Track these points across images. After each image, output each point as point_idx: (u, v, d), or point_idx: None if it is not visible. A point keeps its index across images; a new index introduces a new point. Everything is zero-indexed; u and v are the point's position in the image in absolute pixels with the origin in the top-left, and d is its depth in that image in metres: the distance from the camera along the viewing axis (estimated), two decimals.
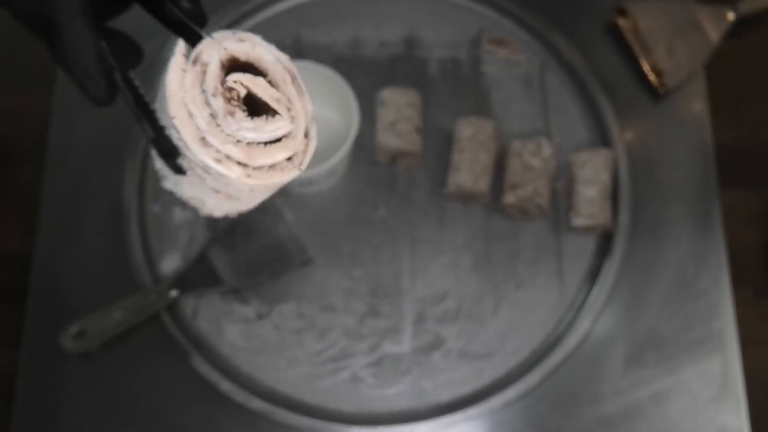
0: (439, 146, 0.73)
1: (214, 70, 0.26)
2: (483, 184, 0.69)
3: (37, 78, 0.75)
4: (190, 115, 0.25)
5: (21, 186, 0.73)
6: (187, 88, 0.26)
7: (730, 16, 0.76)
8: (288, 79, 0.28)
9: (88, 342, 0.64)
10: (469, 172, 0.68)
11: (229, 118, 0.26)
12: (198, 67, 0.26)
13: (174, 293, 0.66)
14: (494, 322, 0.68)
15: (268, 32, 0.81)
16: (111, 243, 0.69)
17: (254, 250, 0.69)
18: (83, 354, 0.65)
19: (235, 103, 0.26)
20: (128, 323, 0.65)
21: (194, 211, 0.71)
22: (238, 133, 0.26)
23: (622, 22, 0.75)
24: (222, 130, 0.26)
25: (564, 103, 0.75)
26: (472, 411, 0.65)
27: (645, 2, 0.75)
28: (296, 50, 0.76)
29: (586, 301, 0.68)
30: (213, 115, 0.26)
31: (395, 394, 0.66)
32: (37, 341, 0.67)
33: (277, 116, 0.27)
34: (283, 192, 0.71)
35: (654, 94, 0.75)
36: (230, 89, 0.26)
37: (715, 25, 0.75)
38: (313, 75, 0.67)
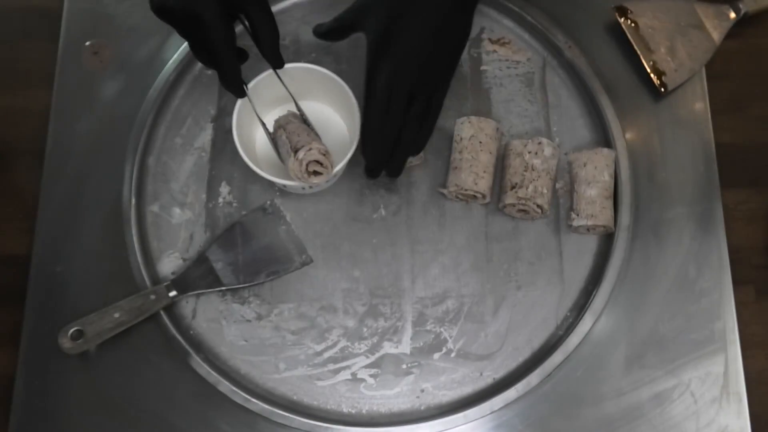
0: (439, 146, 0.73)
1: (305, 162, 0.62)
2: (483, 184, 0.69)
3: (37, 78, 0.75)
4: (295, 170, 0.63)
5: (20, 186, 0.72)
6: (295, 165, 0.62)
7: (732, 15, 0.75)
8: (325, 153, 0.63)
9: (86, 342, 0.64)
10: (469, 172, 0.68)
11: (306, 175, 0.63)
12: (298, 160, 0.62)
13: (173, 294, 0.66)
14: (494, 322, 0.68)
15: None
16: (110, 243, 0.69)
17: (254, 250, 0.69)
18: (82, 354, 0.65)
19: (310, 170, 0.63)
20: (127, 323, 0.65)
21: (194, 211, 0.71)
22: (310, 178, 0.63)
23: (623, 22, 0.74)
24: (304, 174, 0.63)
25: (565, 103, 0.75)
26: (473, 412, 0.65)
27: (646, 1, 0.75)
28: (296, 49, 0.76)
29: (587, 302, 0.68)
30: (303, 171, 0.63)
31: (395, 395, 0.66)
32: (36, 341, 0.66)
33: (324, 171, 0.63)
34: (284, 192, 0.71)
35: (655, 93, 0.74)
36: (308, 166, 0.62)
37: (716, 25, 0.75)
38: (316, 78, 0.67)
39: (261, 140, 0.71)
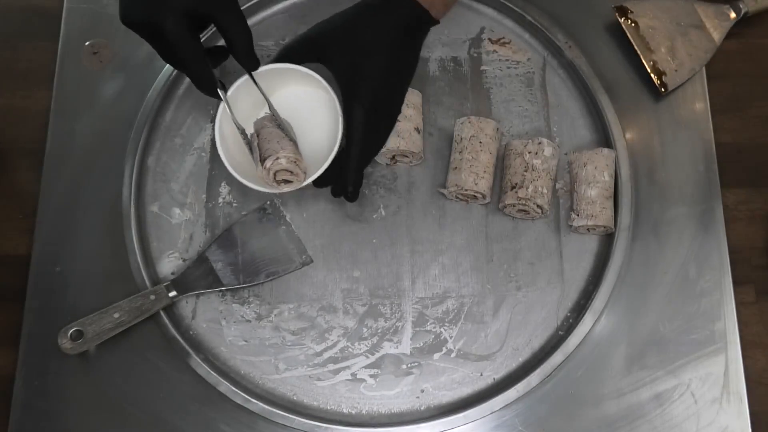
0: (439, 146, 0.73)
1: (272, 171, 0.62)
2: (483, 184, 0.68)
3: (37, 78, 0.75)
4: (264, 179, 0.62)
5: (20, 186, 0.72)
6: (263, 173, 0.62)
7: (732, 15, 0.75)
8: (295, 161, 0.62)
9: (86, 342, 0.64)
10: (469, 172, 0.68)
11: (275, 183, 0.63)
12: (266, 169, 0.62)
13: (173, 294, 0.66)
14: (494, 322, 0.68)
15: (267, 31, 0.81)
16: (109, 243, 0.69)
17: (254, 250, 0.69)
18: (82, 354, 0.65)
19: (279, 179, 0.63)
20: (127, 324, 0.65)
21: (194, 211, 0.71)
22: (280, 186, 0.63)
23: (623, 22, 0.74)
24: (274, 182, 0.63)
25: (565, 103, 0.75)
26: (473, 412, 0.64)
27: (646, 1, 0.75)
28: None
29: (587, 302, 0.68)
30: (271, 179, 0.63)
31: (395, 396, 0.66)
32: (36, 341, 0.66)
33: (294, 179, 0.63)
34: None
35: (655, 93, 0.74)
36: (275, 175, 0.62)
37: (716, 25, 0.75)
38: (295, 77, 0.67)
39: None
